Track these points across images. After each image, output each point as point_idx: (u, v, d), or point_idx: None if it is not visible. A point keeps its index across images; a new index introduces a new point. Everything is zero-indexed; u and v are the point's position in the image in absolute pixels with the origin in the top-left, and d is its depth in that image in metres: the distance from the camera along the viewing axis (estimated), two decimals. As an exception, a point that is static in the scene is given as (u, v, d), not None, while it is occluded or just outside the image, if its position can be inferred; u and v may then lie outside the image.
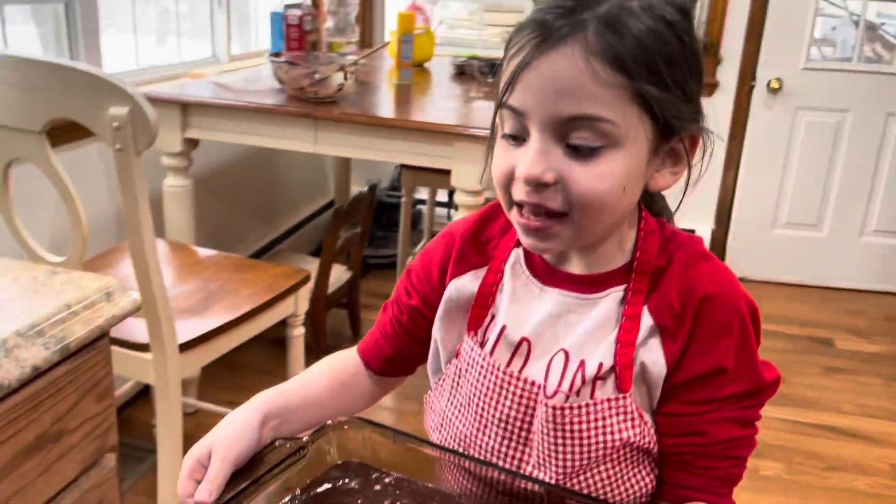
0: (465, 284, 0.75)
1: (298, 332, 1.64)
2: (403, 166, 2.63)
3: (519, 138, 0.64)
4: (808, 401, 2.38)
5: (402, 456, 0.71)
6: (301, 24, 2.00)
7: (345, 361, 0.83)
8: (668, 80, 0.62)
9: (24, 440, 0.70)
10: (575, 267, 0.71)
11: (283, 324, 2.53)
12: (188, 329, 1.35)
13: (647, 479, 0.70)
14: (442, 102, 2.13)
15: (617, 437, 0.67)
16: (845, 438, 2.20)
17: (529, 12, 0.66)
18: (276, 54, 1.93)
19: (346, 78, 1.79)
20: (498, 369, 0.70)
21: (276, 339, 2.58)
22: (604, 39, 0.60)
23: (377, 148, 1.74)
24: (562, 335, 0.70)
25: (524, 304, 0.72)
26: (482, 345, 0.72)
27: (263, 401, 0.73)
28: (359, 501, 0.68)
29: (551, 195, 0.63)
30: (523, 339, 0.71)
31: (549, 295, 0.71)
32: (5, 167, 1.19)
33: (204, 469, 0.66)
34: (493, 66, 2.37)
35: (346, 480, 0.70)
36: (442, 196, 3.27)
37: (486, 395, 0.71)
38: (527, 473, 0.70)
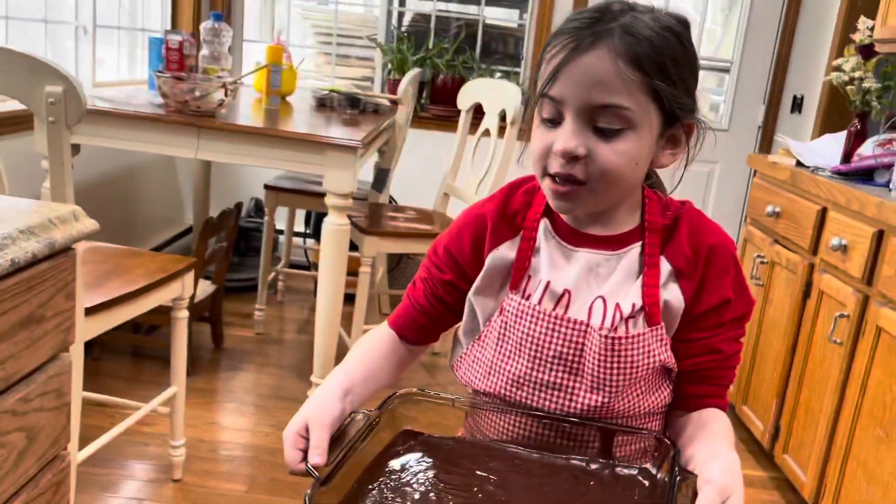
0: (504, 253, 0.88)
1: (183, 315, 1.79)
2: (266, 187, 2.84)
3: (555, 122, 0.79)
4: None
5: (455, 417, 0.87)
6: (181, 48, 2.20)
7: (382, 337, 0.96)
8: (674, 77, 0.77)
9: (21, 313, 0.87)
10: (596, 230, 0.86)
11: (142, 329, 2.63)
12: (90, 298, 1.49)
13: (667, 392, 0.88)
14: (309, 123, 2.40)
15: (657, 359, 0.83)
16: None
17: (563, 22, 0.80)
18: (159, 72, 2.12)
19: (226, 94, 2.02)
20: (548, 314, 0.84)
21: (135, 347, 2.66)
22: (625, 44, 0.75)
23: (257, 155, 1.97)
24: (595, 285, 0.85)
25: (560, 263, 0.86)
26: (528, 298, 0.86)
27: (339, 378, 0.86)
28: (429, 466, 0.78)
29: (580, 167, 0.78)
30: (565, 291, 0.85)
31: (580, 254, 0.86)
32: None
33: (303, 440, 0.77)
34: (351, 100, 2.68)
35: (412, 445, 0.83)
36: (298, 226, 3.49)
37: (538, 338, 0.84)
38: (581, 402, 0.83)
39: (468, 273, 0.91)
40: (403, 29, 3.69)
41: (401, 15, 3.70)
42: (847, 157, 2.25)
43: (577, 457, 0.81)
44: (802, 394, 2.14)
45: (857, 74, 2.23)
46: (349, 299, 2.33)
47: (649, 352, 0.83)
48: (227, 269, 2.89)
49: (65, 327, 0.98)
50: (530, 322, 0.85)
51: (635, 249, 0.85)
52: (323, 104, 2.74)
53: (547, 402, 0.85)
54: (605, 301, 0.83)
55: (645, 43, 0.75)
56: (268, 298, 3.00)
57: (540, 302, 0.85)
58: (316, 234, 3.34)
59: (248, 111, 2.40)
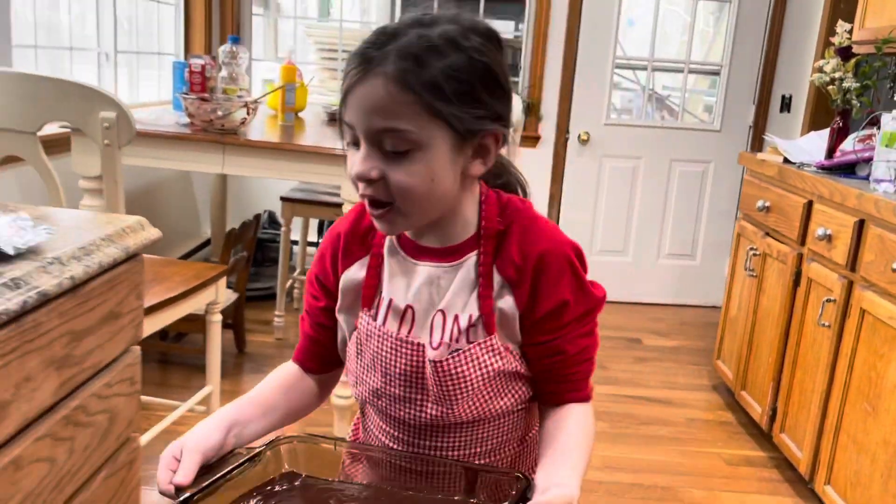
0: (354, 273, 0.89)
1: (217, 318, 1.93)
2: (283, 199, 2.99)
3: (356, 145, 0.79)
4: (624, 381, 2.95)
5: (338, 457, 0.89)
6: (203, 71, 2.35)
7: (286, 370, 0.98)
8: (450, 93, 0.75)
9: (104, 309, 1.01)
10: (434, 242, 0.87)
11: (169, 337, 2.76)
12: (137, 303, 1.63)
13: (521, 392, 0.90)
14: (324, 137, 2.55)
15: (489, 369, 0.85)
16: (652, 404, 2.77)
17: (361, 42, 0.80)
18: (184, 94, 2.26)
19: (248, 113, 2.16)
20: (391, 336, 0.86)
21: (162, 354, 2.80)
22: (397, 68, 0.75)
23: (278, 169, 2.11)
24: (436, 298, 0.86)
25: (403, 279, 0.87)
26: (375, 318, 0.88)
27: (226, 411, 0.89)
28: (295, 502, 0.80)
29: (379, 189, 0.78)
30: (408, 307, 0.86)
31: (420, 267, 0.87)
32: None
33: (177, 462, 0.80)
34: (360, 113, 2.81)
35: (290, 485, 0.84)
36: (312, 236, 3.63)
37: (385, 357, 0.87)
38: (429, 412, 0.87)
39: (337, 295, 0.92)
40: (405, 43, 3.83)
41: (402, 30, 3.85)
42: (830, 152, 2.39)
43: (445, 496, 0.83)
44: (796, 376, 2.27)
45: (837, 75, 2.37)
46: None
47: (480, 364, 0.84)
48: (247, 279, 3.03)
49: (136, 323, 1.13)
50: (377, 342, 0.87)
51: (472, 259, 0.85)
52: (334, 118, 2.88)
53: (402, 413, 0.89)
54: (444, 314, 0.85)
55: (416, 65, 0.75)
56: (286, 305, 3.14)
57: (385, 320, 0.87)
58: (328, 243, 3.47)
59: (265, 128, 2.54)
